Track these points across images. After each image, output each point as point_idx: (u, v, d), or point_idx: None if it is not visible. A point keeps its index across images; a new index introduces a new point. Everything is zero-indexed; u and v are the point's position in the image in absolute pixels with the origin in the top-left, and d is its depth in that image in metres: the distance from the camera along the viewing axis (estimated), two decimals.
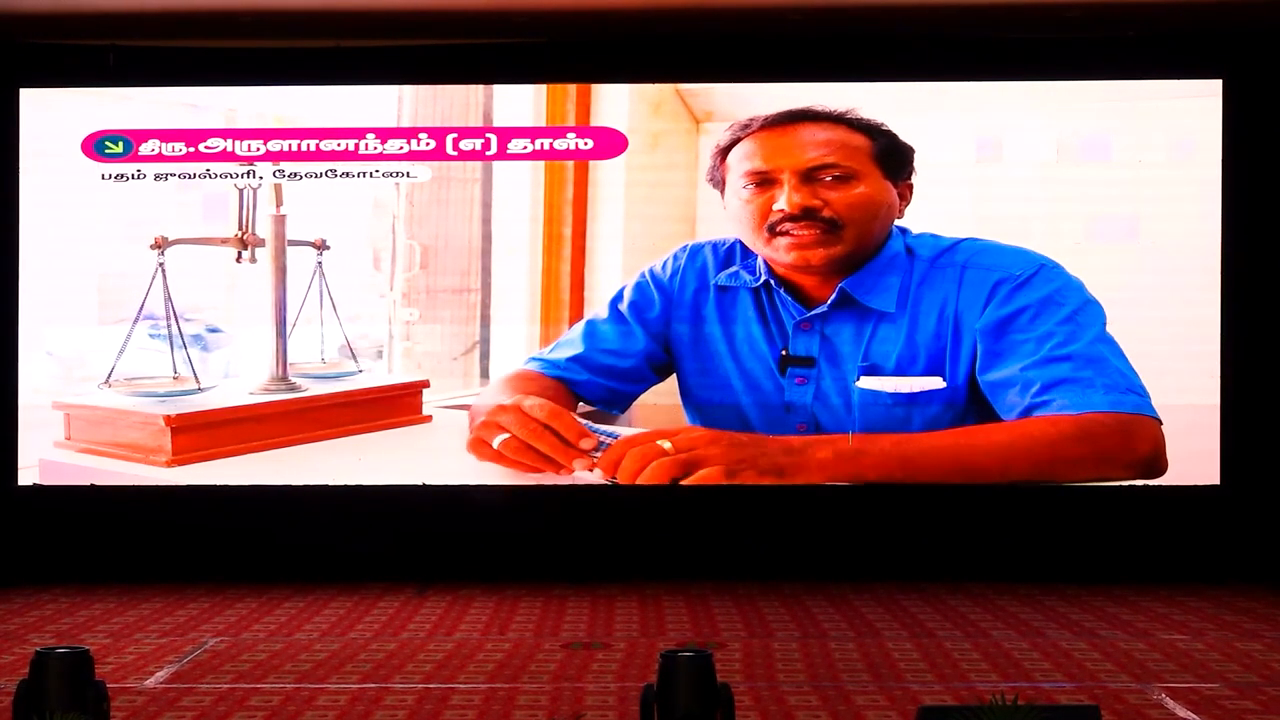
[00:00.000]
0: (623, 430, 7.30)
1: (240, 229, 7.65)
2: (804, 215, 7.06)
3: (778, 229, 7.08)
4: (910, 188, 7.27)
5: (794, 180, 7.08)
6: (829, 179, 7.10)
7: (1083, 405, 6.92)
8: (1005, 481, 7.17)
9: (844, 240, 7.10)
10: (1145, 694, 5.48)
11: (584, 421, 7.20)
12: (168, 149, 7.74)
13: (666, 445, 7.04)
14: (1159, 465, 7.14)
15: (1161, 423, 7.09)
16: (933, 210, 7.40)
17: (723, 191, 7.30)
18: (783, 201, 7.06)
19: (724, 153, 7.26)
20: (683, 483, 7.05)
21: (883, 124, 7.23)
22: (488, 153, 7.74)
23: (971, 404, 7.17)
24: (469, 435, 7.28)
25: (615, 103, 7.81)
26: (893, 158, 7.22)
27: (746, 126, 7.25)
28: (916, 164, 7.32)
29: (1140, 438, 7.08)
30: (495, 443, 7.04)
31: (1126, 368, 7.08)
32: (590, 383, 7.42)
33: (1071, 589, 7.49)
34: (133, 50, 7.73)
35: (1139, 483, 7.20)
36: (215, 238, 7.66)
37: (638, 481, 6.99)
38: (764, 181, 7.13)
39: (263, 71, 7.87)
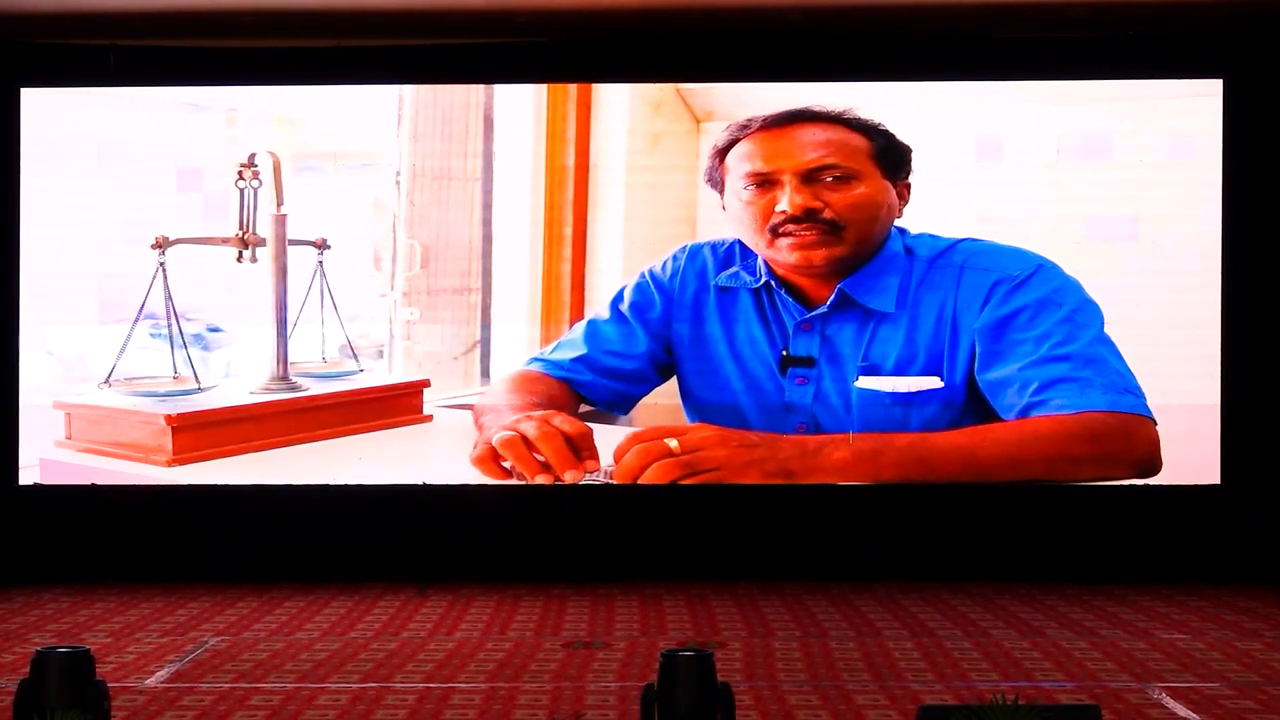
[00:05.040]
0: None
1: (240, 229, 7.65)
2: (805, 217, 7.05)
3: (780, 230, 7.08)
4: (908, 187, 7.27)
5: (795, 181, 7.07)
6: (829, 180, 7.10)
7: (1081, 405, 6.92)
8: (1014, 481, 7.17)
9: (845, 241, 7.10)
10: (1145, 694, 5.48)
11: None
12: None
13: (673, 444, 7.01)
14: (1155, 465, 7.15)
15: (1156, 423, 7.09)
16: (933, 210, 7.40)
17: (721, 192, 7.29)
18: (784, 203, 7.05)
19: (722, 153, 7.24)
20: (685, 482, 7.04)
21: (880, 124, 7.22)
22: None
23: (970, 404, 7.17)
24: (478, 444, 7.17)
25: (615, 103, 7.82)
26: (891, 157, 7.21)
27: (745, 127, 7.23)
28: (916, 164, 7.31)
29: (1139, 437, 7.08)
30: (496, 439, 7.01)
31: (1124, 368, 7.09)
32: (595, 384, 7.41)
33: (1071, 589, 7.49)
34: (133, 50, 7.73)
35: (1139, 482, 7.20)
36: (215, 237, 7.67)
37: (638, 481, 6.96)
38: (765, 182, 7.12)
39: (263, 71, 7.87)
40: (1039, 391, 6.89)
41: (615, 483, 7.05)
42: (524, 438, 6.94)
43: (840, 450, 7.19)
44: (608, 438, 7.16)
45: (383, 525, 7.85)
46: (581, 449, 6.97)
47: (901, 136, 7.28)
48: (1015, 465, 7.06)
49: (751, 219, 7.13)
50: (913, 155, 7.29)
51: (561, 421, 7.01)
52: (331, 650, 6.24)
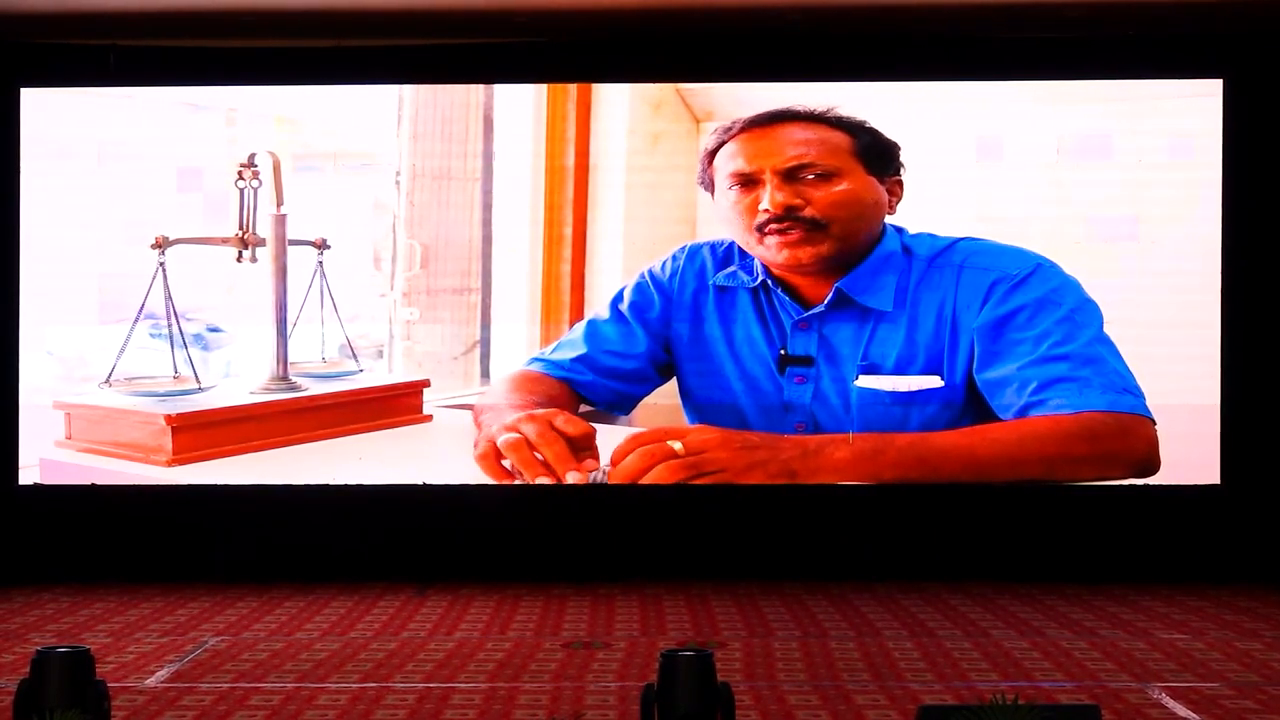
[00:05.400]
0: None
1: (240, 229, 7.65)
2: (786, 215, 7.06)
3: (765, 229, 7.09)
4: (900, 184, 7.26)
5: (775, 180, 7.09)
6: (810, 178, 7.11)
7: (1080, 405, 6.92)
8: (1013, 480, 7.17)
9: (831, 238, 7.10)
10: (1145, 693, 5.48)
11: None
12: None
13: (677, 446, 7.01)
14: (1154, 465, 7.16)
15: (1155, 423, 7.09)
16: (933, 210, 7.40)
17: (713, 194, 7.31)
18: (766, 201, 7.08)
19: (710, 156, 7.28)
20: (689, 482, 7.03)
21: (865, 121, 7.22)
22: None
23: (969, 403, 7.17)
24: (480, 442, 7.20)
25: (615, 103, 7.82)
26: (876, 154, 7.21)
27: (729, 129, 7.26)
28: (917, 164, 7.31)
29: (1138, 437, 7.09)
30: (500, 439, 7.01)
31: (1123, 368, 7.09)
32: (595, 384, 7.41)
33: (1071, 589, 7.49)
34: (133, 50, 7.73)
35: (1139, 482, 7.20)
36: (215, 237, 7.67)
37: (641, 481, 6.97)
38: (747, 182, 7.14)
39: (263, 71, 7.87)
40: (1038, 391, 6.89)
41: (612, 483, 7.06)
42: (527, 439, 6.96)
43: (841, 449, 7.19)
44: (608, 438, 7.17)
45: (383, 525, 7.85)
46: (582, 449, 6.97)
47: (902, 136, 7.29)
48: (1015, 465, 7.06)
49: (739, 219, 7.17)
50: (901, 151, 7.27)
51: (563, 422, 7.01)
52: (331, 650, 6.24)
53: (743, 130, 7.22)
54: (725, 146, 7.24)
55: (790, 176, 7.10)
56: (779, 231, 7.06)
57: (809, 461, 7.18)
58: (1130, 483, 7.20)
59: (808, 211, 7.07)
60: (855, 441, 7.21)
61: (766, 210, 7.07)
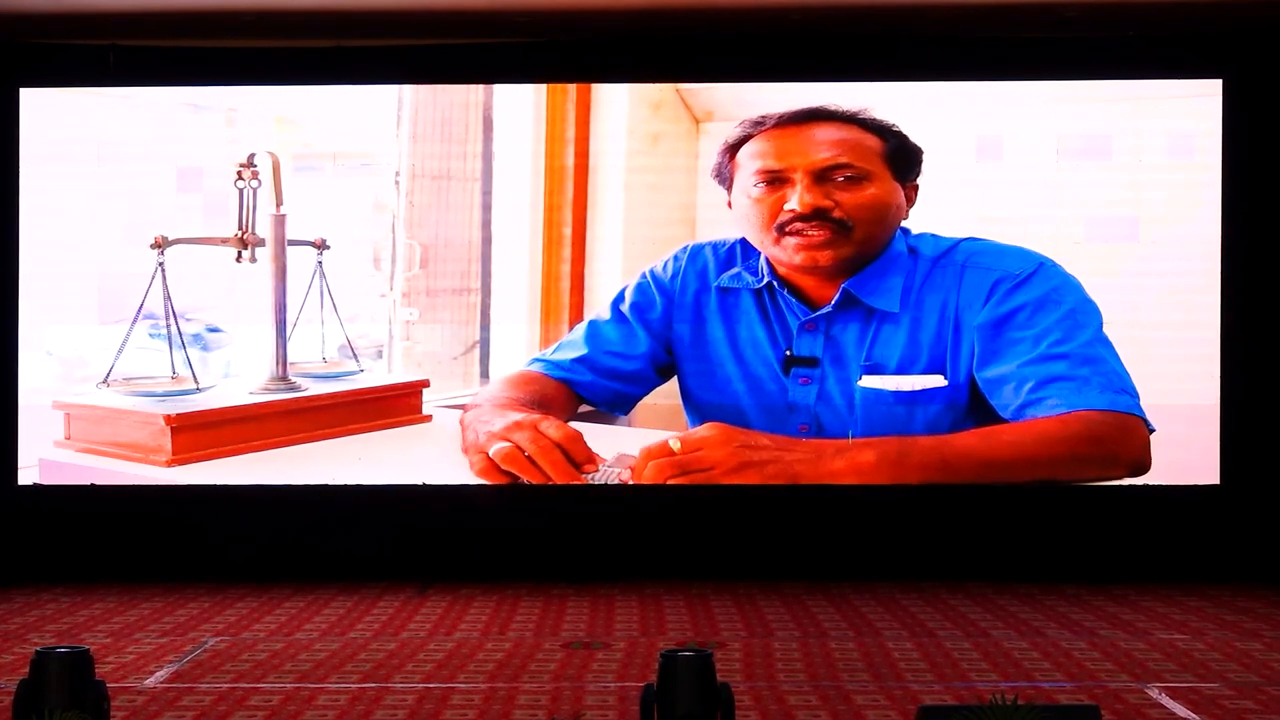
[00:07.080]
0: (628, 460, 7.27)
1: (240, 229, 7.65)
2: (815, 215, 7.04)
3: (787, 229, 7.07)
4: (916, 189, 7.26)
5: (806, 180, 7.06)
6: (841, 179, 7.08)
7: (1078, 404, 6.92)
8: (1017, 481, 7.17)
9: (852, 241, 7.09)
10: (1145, 694, 5.48)
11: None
12: None
13: (675, 445, 7.04)
14: (1145, 466, 7.17)
15: (1148, 424, 7.09)
16: (933, 210, 7.39)
17: (729, 189, 7.29)
18: (794, 201, 7.04)
19: (733, 149, 7.23)
20: (681, 481, 7.03)
21: (894, 125, 7.21)
22: None
23: (973, 403, 7.17)
24: (470, 442, 7.22)
25: (615, 103, 7.81)
26: (903, 159, 7.20)
27: (759, 124, 7.21)
28: None
29: (1136, 437, 7.10)
30: (492, 450, 7.02)
31: (1121, 369, 7.09)
32: (595, 384, 7.41)
33: (1071, 589, 7.49)
34: (133, 50, 7.73)
35: (1138, 482, 7.20)
36: (215, 237, 7.67)
37: (642, 478, 7.00)
38: (776, 180, 7.11)
39: (263, 71, 7.87)
40: (1035, 390, 6.89)
41: (620, 483, 7.09)
42: (520, 448, 6.97)
43: (865, 453, 7.14)
44: (608, 438, 7.19)
45: (383, 525, 7.85)
46: (575, 453, 6.99)
47: None
48: (1030, 466, 7.06)
49: (759, 216, 7.13)
50: (924, 157, 7.27)
51: (549, 426, 7.03)
52: (331, 650, 6.24)
53: (773, 127, 7.17)
54: (751, 142, 7.18)
55: (821, 177, 7.07)
56: (802, 233, 7.04)
57: (823, 465, 7.15)
58: (1130, 483, 7.20)
59: (836, 213, 7.05)
60: (880, 445, 7.18)
61: (793, 210, 7.03)
